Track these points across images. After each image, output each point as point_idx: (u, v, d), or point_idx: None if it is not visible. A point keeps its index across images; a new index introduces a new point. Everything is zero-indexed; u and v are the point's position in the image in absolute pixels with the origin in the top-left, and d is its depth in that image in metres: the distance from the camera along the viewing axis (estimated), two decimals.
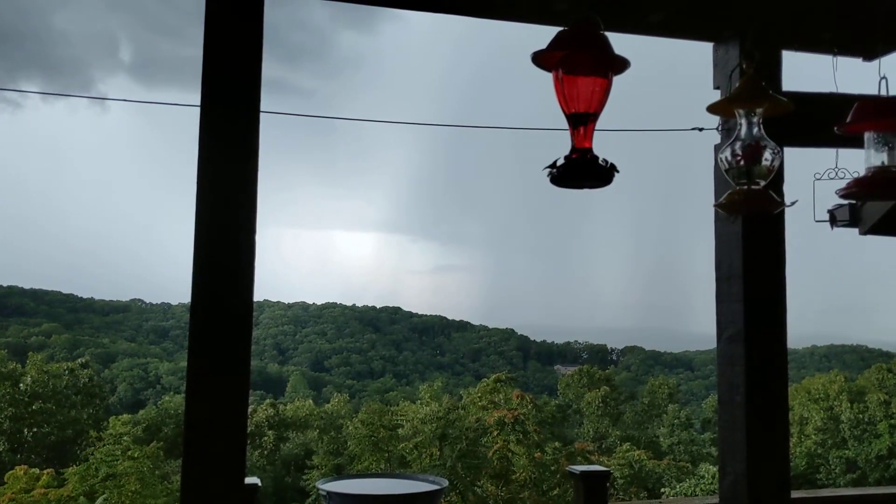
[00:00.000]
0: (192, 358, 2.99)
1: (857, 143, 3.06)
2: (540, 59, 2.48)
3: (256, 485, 4.69)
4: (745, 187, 2.79)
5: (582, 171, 2.48)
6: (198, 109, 3.08)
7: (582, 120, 2.48)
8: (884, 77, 2.75)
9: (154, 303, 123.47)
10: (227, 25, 3.14)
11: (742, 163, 2.75)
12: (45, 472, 20.29)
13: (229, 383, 3.00)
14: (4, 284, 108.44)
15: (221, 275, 3.05)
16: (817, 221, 4.77)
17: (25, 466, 20.61)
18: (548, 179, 2.50)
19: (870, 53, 4.30)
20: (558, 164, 2.48)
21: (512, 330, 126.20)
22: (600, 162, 2.46)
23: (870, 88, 2.99)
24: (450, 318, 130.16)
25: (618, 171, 2.45)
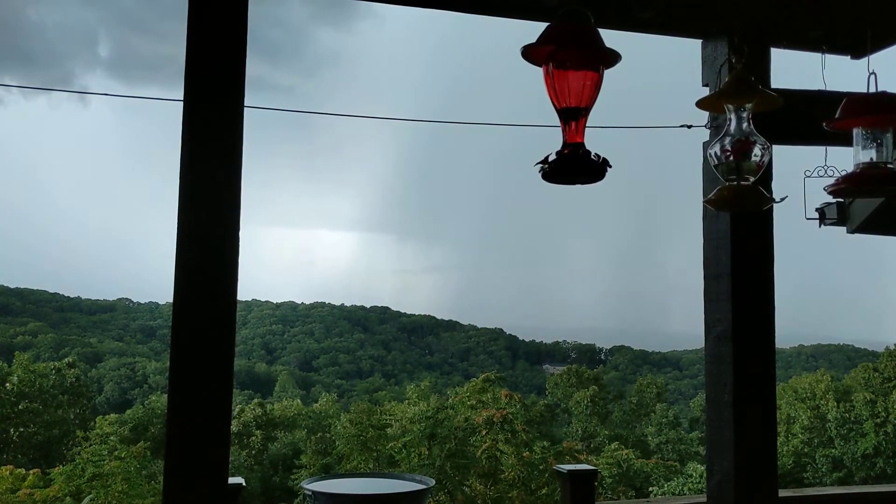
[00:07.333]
0: (174, 358, 2.96)
1: (844, 140, 3.05)
2: (530, 53, 2.45)
3: (240, 484, 4.66)
4: (735, 183, 2.78)
5: (574, 166, 2.46)
6: (180, 105, 3.04)
7: (573, 115, 2.46)
8: (873, 73, 2.74)
9: (141, 302, 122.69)
10: (210, 19, 3.10)
11: (731, 158, 2.74)
12: (31, 472, 20.18)
13: (212, 382, 2.96)
14: None
15: (204, 273, 3.01)
16: (808, 219, 4.77)
17: (11, 466, 20.49)
18: (539, 175, 2.48)
19: (858, 51, 4.30)
20: (550, 159, 2.46)
21: (500, 329, 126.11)
22: (592, 157, 2.44)
23: (857, 86, 2.98)
24: (438, 317, 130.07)
25: (610, 166, 2.43)
